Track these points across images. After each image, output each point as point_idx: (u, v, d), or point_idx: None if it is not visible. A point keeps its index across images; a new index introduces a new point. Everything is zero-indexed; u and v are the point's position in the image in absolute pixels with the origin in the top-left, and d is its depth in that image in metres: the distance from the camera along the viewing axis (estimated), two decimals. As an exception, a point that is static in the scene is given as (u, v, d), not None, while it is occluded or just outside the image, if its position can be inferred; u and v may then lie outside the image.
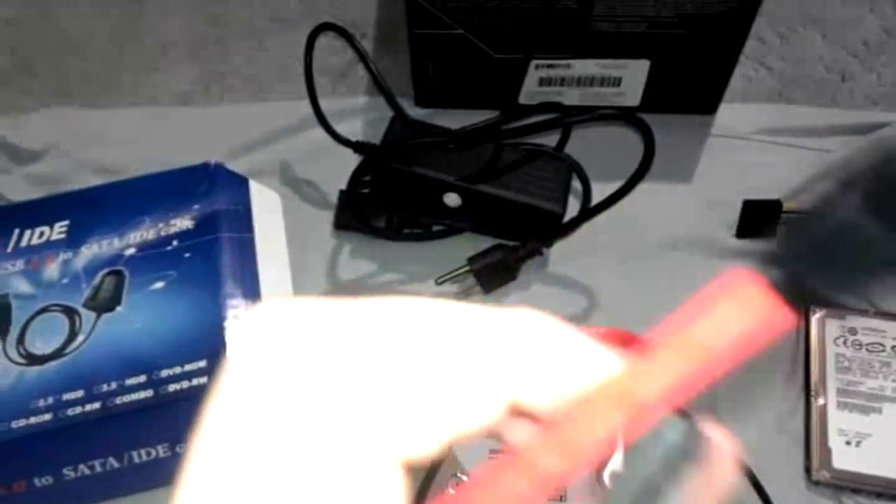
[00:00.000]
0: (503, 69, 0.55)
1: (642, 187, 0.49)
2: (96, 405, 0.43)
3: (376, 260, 0.54)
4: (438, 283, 0.52)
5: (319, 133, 0.54)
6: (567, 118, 0.50)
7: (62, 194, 0.52)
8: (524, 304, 0.52)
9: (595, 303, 0.52)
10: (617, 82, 0.56)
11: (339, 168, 0.55)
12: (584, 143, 0.54)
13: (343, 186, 0.54)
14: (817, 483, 0.46)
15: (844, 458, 0.46)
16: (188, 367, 0.44)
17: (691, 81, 0.57)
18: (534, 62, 0.55)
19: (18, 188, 0.57)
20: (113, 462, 0.43)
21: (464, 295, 0.52)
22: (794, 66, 0.62)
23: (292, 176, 0.57)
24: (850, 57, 0.62)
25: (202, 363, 0.44)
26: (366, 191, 0.54)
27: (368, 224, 0.54)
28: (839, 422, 0.47)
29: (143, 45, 0.65)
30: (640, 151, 0.47)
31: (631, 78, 0.56)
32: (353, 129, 0.59)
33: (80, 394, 0.43)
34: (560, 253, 0.54)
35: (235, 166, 0.56)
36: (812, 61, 0.62)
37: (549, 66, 0.55)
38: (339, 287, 0.53)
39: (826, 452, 0.46)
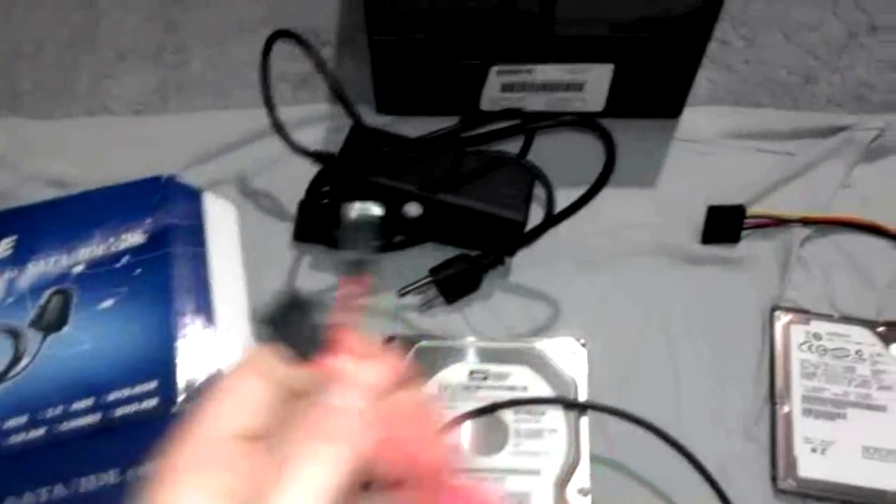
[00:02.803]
0: (465, 75, 0.54)
1: (606, 193, 0.48)
2: (41, 431, 0.42)
3: (336, 272, 0.53)
4: (400, 295, 0.51)
5: (279, 142, 0.53)
6: (528, 125, 0.49)
7: (9, 210, 0.50)
8: (487, 314, 0.51)
9: (558, 312, 0.51)
10: (580, 87, 0.55)
11: (298, 178, 0.54)
12: (547, 150, 0.53)
13: (303, 196, 0.53)
14: (783, 491, 0.46)
15: (810, 466, 0.46)
16: (138, 389, 0.42)
17: (655, 85, 0.56)
18: (496, 68, 0.54)
19: (-35, 203, 0.55)
20: (60, 490, 0.42)
21: (426, 307, 0.51)
22: (757, 68, 0.62)
23: (251, 186, 0.56)
24: (813, 59, 0.62)
25: (152, 384, 0.42)
26: (325, 201, 0.53)
27: (328, 235, 0.53)
28: (804, 429, 0.47)
29: (98, 53, 0.63)
30: (604, 157, 0.46)
31: (594, 83, 0.55)
32: (314, 136, 0.58)
33: (23, 420, 0.42)
34: (523, 261, 0.53)
35: (192, 176, 0.55)
36: (775, 64, 0.62)
37: (511, 71, 0.54)
38: (298, 300, 0.52)
39: (792, 460, 0.46)
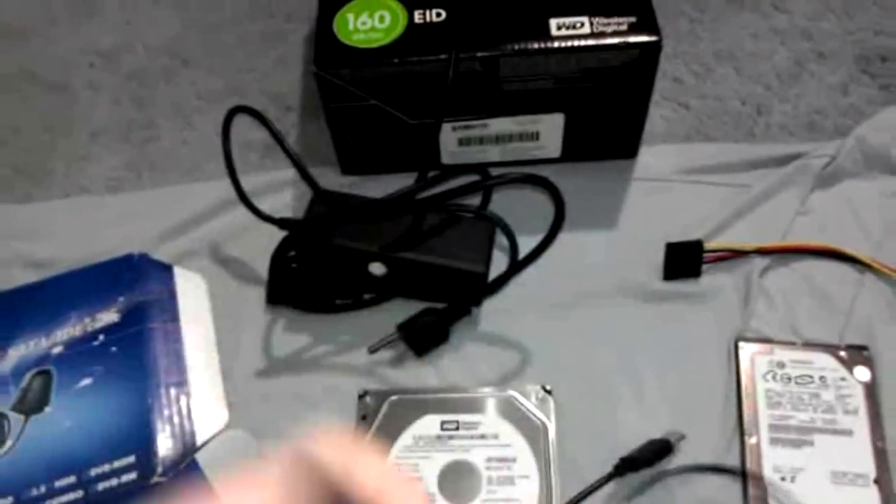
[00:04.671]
0: (421, 134, 0.56)
1: (568, 237, 0.50)
2: (26, 511, 0.43)
3: (310, 333, 0.54)
4: (371, 352, 0.52)
5: (247, 211, 0.54)
6: (482, 182, 0.51)
7: (-11, 296, 0.52)
8: (457, 364, 0.53)
9: (527, 358, 0.52)
10: (535, 136, 0.57)
11: (268, 243, 0.55)
12: (508, 199, 0.55)
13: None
14: (756, 529, 0.46)
15: (780, 495, 0.46)
16: (116, 465, 0.44)
17: (608, 130, 0.58)
18: (451, 124, 0.56)
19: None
20: (45, 568, 0.43)
21: (397, 361, 0.53)
22: (710, 102, 0.64)
23: (221, 255, 0.58)
24: (764, 90, 0.64)
25: (131, 459, 0.44)
26: (294, 265, 0.54)
27: (299, 298, 0.54)
28: (773, 458, 0.48)
29: (73, 134, 0.65)
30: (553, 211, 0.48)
31: (548, 131, 0.57)
32: (282, 201, 0.60)
33: (9, 501, 0.43)
34: (490, 310, 0.54)
35: (165, 250, 0.57)
36: (728, 97, 0.64)
37: (466, 126, 0.56)
38: (274, 363, 0.53)
39: (762, 490, 0.47)
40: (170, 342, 0.49)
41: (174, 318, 0.50)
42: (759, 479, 0.47)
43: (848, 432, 0.48)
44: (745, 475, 0.47)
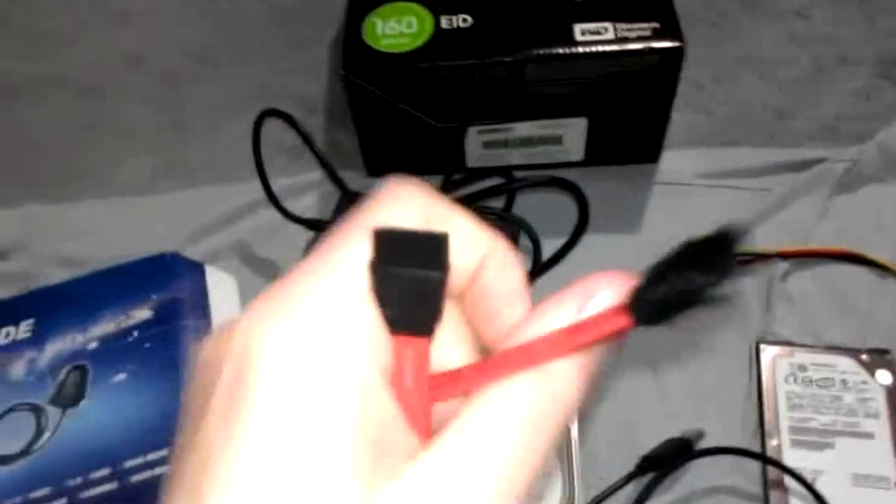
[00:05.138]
0: (447, 137, 0.57)
1: (592, 239, 0.50)
2: (63, 501, 0.44)
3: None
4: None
5: (276, 212, 0.56)
6: (507, 185, 0.52)
7: (26, 293, 0.54)
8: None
9: (550, 358, 0.53)
10: (559, 140, 0.58)
11: (296, 244, 0.57)
12: (532, 201, 0.56)
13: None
14: (777, 524, 0.47)
15: (801, 498, 0.47)
16: (150, 457, 0.45)
17: (630, 134, 0.59)
18: (476, 128, 0.57)
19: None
20: (82, 557, 0.44)
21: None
22: (732, 107, 0.64)
23: (251, 255, 0.59)
24: (786, 95, 0.64)
25: (164, 452, 0.45)
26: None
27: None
28: (794, 461, 0.48)
29: (104, 137, 0.67)
30: (577, 213, 0.48)
31: (571, 135, 0.58)
32: (311, 202, 0.61)
33: (46, 491, 0.45)
34: (514, 311, 0.55)
35: (195, 250, 0.58)
36: (749, 102, 0.64)
37: (491, 130, 0.57)
38: (301, 361, 0.54)
39: (783, 494, 0.47)
40: (201, 339, 0.50)
41: (206, 315, 0.51)
42: (779, 464, 0.47)
43: (869, 435, 0.49)
44: (765, 460, 0.47)
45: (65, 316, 0.52)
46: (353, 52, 0.54)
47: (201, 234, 0.59)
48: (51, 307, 0.52)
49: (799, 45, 0.67)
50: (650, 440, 0.49)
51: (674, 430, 0.49)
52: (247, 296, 0.57)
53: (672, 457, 0.47)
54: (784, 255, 0.56)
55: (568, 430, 0.49)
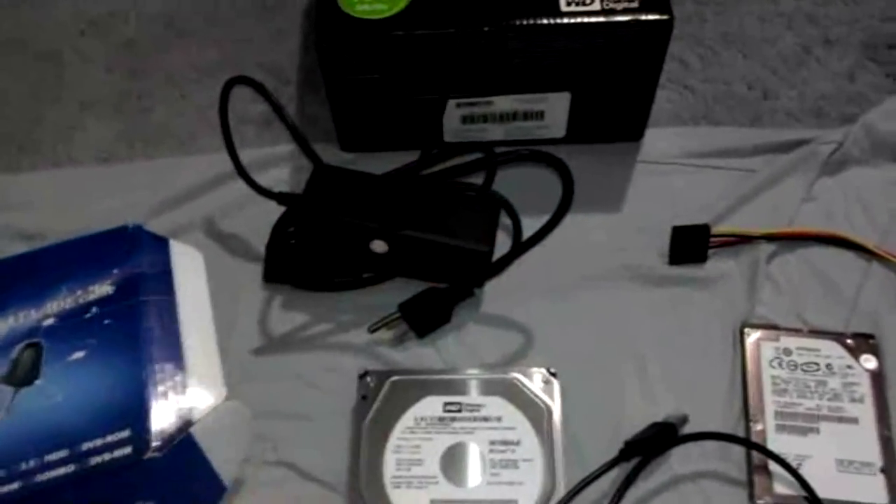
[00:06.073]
0: (424, 110, 0.55)
1: (573, 219, 0.49)
2: (15, 485, 0.42)
3: (309, 311, 0.53)
4: (371, 332, 0.51)
5: (245, 185, 0.53)
6: (488, 160, 0.50)
7: (-25, 268, 0.50)
8: (459, 345, 0.52)
9: (531, 340, 0.52)
10: (540, 115, 0.56)
11: (266, 219, 0.54)
12: (512, 178, 0.54)
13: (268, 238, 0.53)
14: (761, 510, 0.46)
15: (786, 483, 0.46)
16: (111, 438, 0.42)
17: (614, 111, 0.57)
18: (455, 101, 0.54)
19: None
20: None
21: (398, 341, 0.52)
22: (716, 86, 0.63)
23: (218, 230, 0.56)
24: (771, 75, 0.63)
25: (125, 433, 0.42)
26: (292, 241, 0.53)
27: (298, 275, 0.53)
28: (779, 445, 0.47)
29: (62, 104, 0.63)
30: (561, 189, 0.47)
31: (553, 111, 0.56)
32: (280, 176, 0.58)
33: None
34: (494, 291, 0.53)
35: (160, 223, 0.55)
36: (734, 81, 0.63)
37: (470, 104, 0.55)
38: (272, 342, 0.52)
39: (768, 478, 0.46)
40: (165, 316, 0.47)
41: (170, 291, 0.48)
42: (763, 449, 0.46)
43: (854, 420, 0.48)
44: (749, 444, 0.46)
45: (18, 291, 0.49)
46: (327, 18, 0.51)
47: (165, 208, 0.57)
48: (4, 281, 0.49)
49: (785, 25, 0.66)
50: (634, 423, 0.47)
51: (658, 415, 0.48)
52: (212, 273, 0.54)
53: (656, 442, 0.46)
54: (769, 237, 0.54)
55: (550, 415, 0.47)
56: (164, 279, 0.49)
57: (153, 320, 0.47)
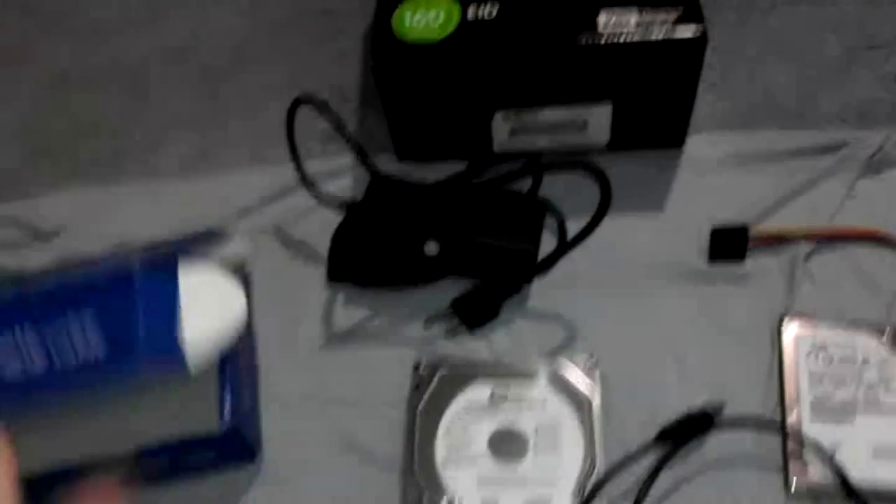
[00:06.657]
0: (473, 123, 0.59)
1: (617, 221, 0.52)
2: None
3: (368, 307, 0.57)
4: (426, 327, 0.55)
5: (309, 194, 0.58)
6: (534, 168, 0.54)
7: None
8: (507, 338, 0.55)
9: (575, 334, 0.55)
10: (584, 125, 0.59)
11: (329, 225, 0.59)
12: (558, 183, 0.57)
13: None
14: (797, 496, 0.48)
15: (821, 470, 0.48)
16: None
17: (655, 119, 0.60)
18: (502, 113, 0.58)
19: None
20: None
21: (451, 334, 0.55)
22: (759, 90, 0.65)
23: (286, 235, 0.61)
24: (814, 80, 0.65)
25: None
26: (353, 245, 0.58)
27: (358, 275, 0.57)
28: (814, 434, 0.49)
29: (147, 124, 0.70)
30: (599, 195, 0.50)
31: (596, 121, 0.59)
32: (343, 185, 0.63)
33: None
34: (540, 288, 0.57)
35: (235, 230, 0.60)
36: (776, 85, 0.65)
37: (517, 116, 0.58)
38: (333, 335, 0.56)
39: (803, 465, 0.48)
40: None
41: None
42: (798, 436, 0.48)
43: (892, 409, 0.49)
44: (784, 431, 0.48)
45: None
46: (382, 43, 0.56)
47: (240, 215, 0.62)
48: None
49: (829, 30, 0.67)
50: (671, 412, 0.50)
51: (695, 403, 0.50)
52: (280, 274, 0.59)
53: (692, 427, 0.48)
54: (809, 236, 0.56)
55: (591, 401, 0.50)
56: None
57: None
